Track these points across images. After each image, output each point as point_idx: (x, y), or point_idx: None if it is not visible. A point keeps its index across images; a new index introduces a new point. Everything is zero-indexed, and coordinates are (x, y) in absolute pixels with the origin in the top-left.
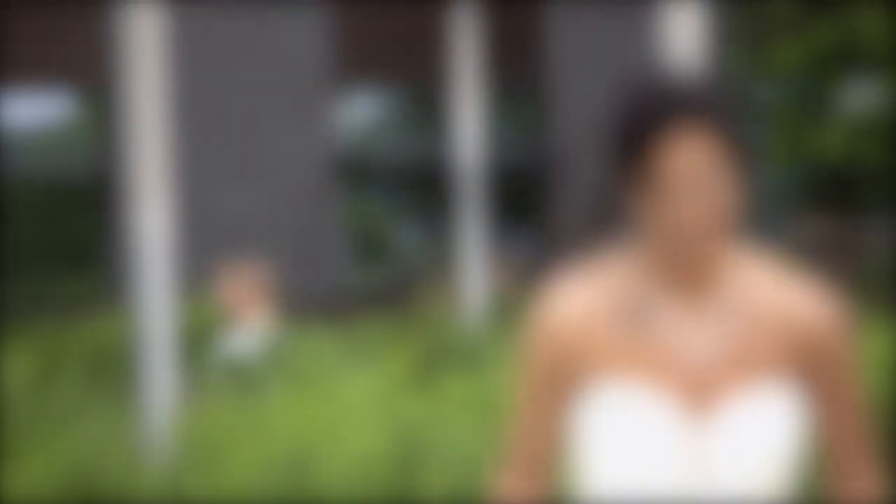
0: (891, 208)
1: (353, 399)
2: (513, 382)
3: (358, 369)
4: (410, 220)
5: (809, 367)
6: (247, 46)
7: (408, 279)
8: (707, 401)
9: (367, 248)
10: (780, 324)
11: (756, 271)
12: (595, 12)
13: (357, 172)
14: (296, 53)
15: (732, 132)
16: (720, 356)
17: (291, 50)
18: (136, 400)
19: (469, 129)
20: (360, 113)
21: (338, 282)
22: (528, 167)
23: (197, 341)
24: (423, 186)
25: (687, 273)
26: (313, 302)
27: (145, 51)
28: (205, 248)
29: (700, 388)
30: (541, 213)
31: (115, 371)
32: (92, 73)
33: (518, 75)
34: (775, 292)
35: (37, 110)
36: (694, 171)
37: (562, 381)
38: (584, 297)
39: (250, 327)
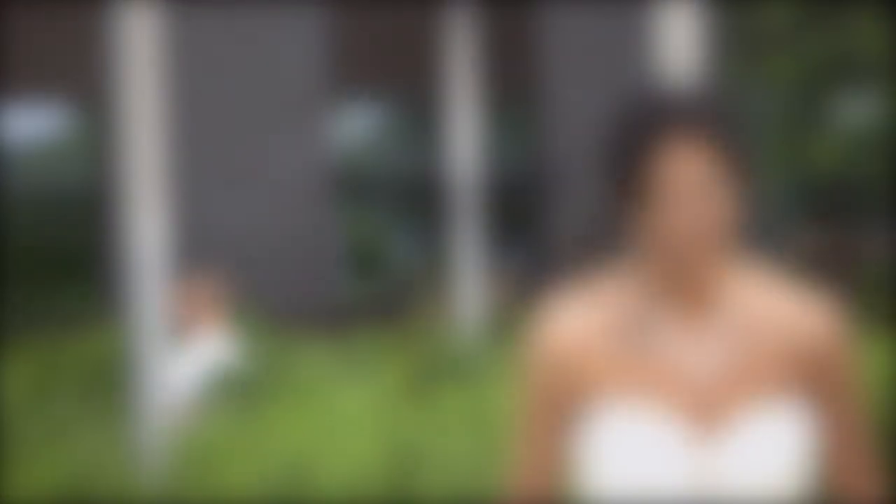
0: (887, 218)
1: (348, 411)
2: (508, 395)
3: (353, 382)
4: (406, 233)
5: (811, 378)
6: (243, 59)
7: (403, 291)
8: (711, 417)
9: (362, 260)
10: (782, 337)
11: (755, 284)
12: (591, 24)
13: (353, 185)
14: (292, 65)
15: (729, 144)
16: (723, 371)
17: (287, 62)
18: (132, 411)
19: (465, 141)
20: (356, 125)
21: (333, 294)
22: (523, 179)
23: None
24: (419, 199)
25: (686, 287)
26: (309, 314)
27: (141, 63)
28: (200, 260)
29: (704, 405)
30: (536, 226)
31: (110, 382)
32: (88, 87)
33: (514, 88)
34: (775, 305)
35: (33, 123)
36: (691, 183)
37: (564, 402)
38: (583, 316)
39: (204, 342)
